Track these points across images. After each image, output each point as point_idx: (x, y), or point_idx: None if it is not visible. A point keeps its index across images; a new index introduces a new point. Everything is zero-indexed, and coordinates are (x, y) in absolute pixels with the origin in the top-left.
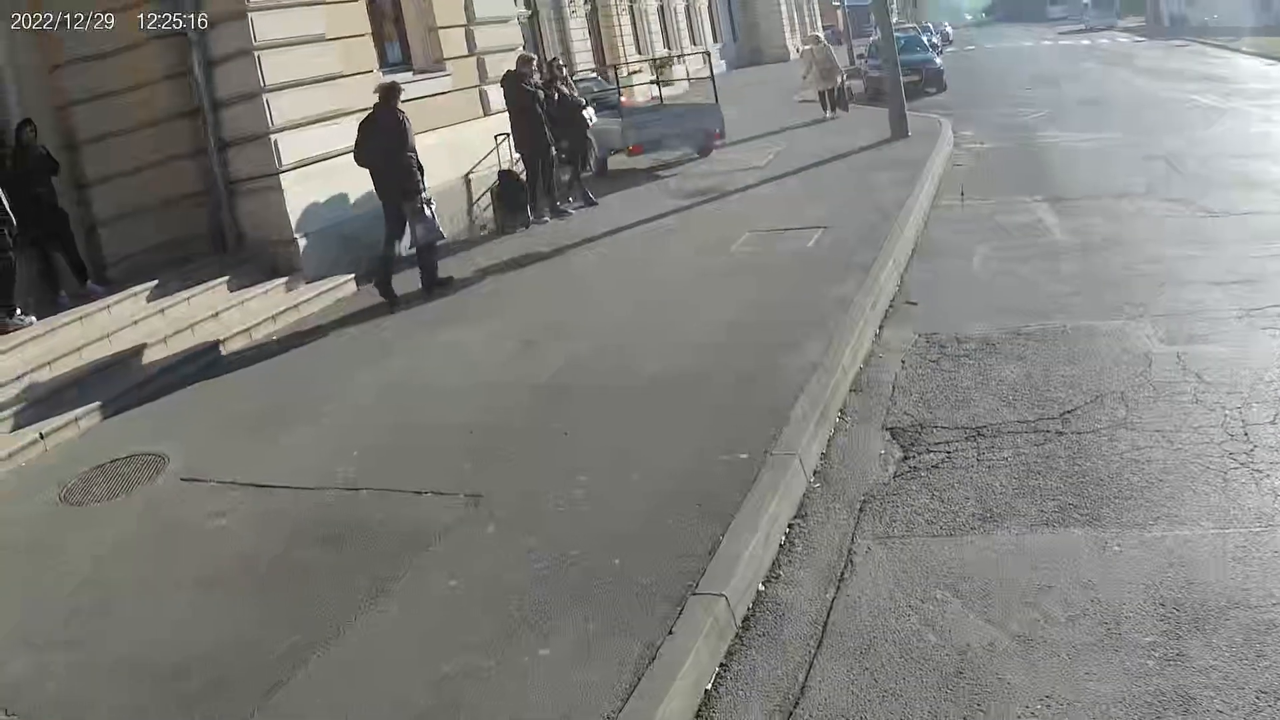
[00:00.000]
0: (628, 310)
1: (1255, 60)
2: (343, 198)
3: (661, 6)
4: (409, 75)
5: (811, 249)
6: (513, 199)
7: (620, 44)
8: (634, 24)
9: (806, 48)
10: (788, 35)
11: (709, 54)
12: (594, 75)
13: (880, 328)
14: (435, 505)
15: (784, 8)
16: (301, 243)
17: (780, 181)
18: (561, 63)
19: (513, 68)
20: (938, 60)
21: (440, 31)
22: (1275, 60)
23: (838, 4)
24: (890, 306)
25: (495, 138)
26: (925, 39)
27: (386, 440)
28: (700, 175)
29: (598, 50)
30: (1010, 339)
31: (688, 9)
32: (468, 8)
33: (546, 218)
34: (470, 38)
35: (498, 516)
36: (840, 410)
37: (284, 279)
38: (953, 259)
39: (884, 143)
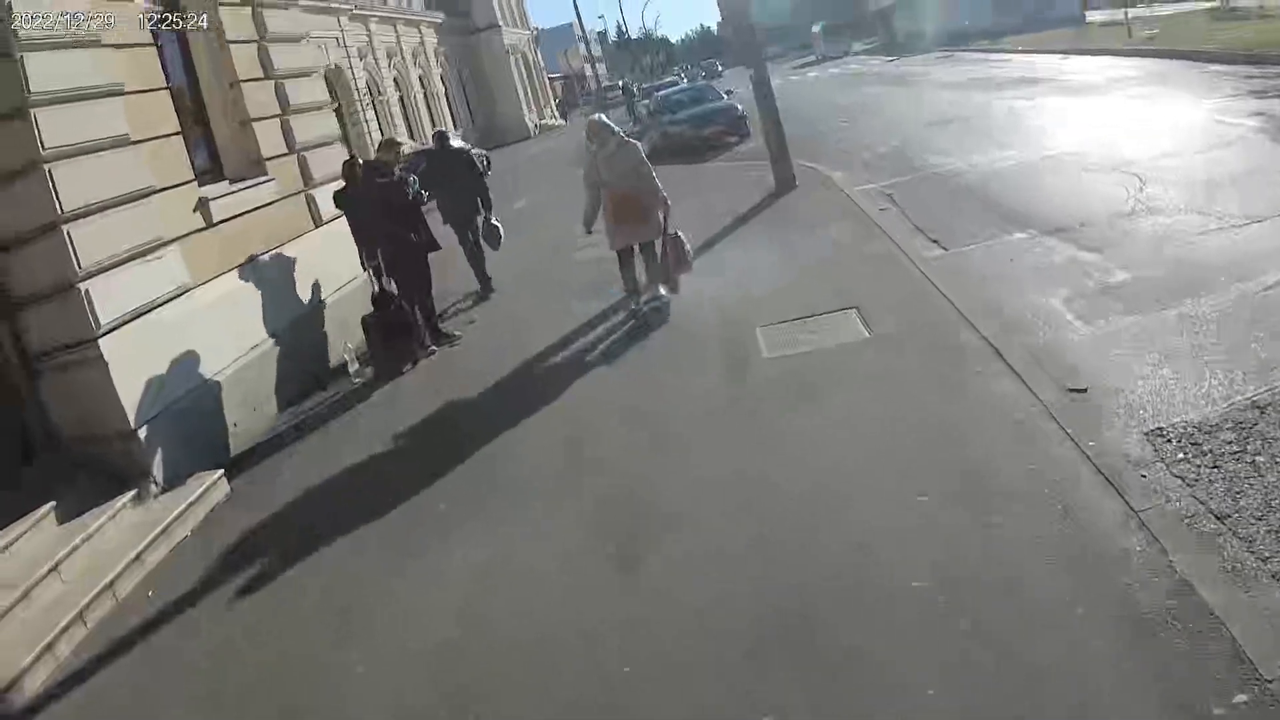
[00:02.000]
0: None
1: (1037, 58)
2: (188, 360)
3: (402, 98)
4: (224, 185)
5: (870, 343)
6: (399, 331)
7: (368, 138)
8: (378, 117)
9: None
10: (526, 113)
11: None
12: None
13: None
14: None
15: (520, 87)
16: (143, 434)
17: (725, 246)
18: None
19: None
20: (739, 106)
21: (255, 125)
22: (1060, 55)
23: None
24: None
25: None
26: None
27: None
28: None
29: (345, 144)
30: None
31: (426, 98)
32: (279, 93)
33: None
34: (288, 130)
35: None
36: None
37: (131, 493)
38: (1040, 316)
39: (776, 196)
